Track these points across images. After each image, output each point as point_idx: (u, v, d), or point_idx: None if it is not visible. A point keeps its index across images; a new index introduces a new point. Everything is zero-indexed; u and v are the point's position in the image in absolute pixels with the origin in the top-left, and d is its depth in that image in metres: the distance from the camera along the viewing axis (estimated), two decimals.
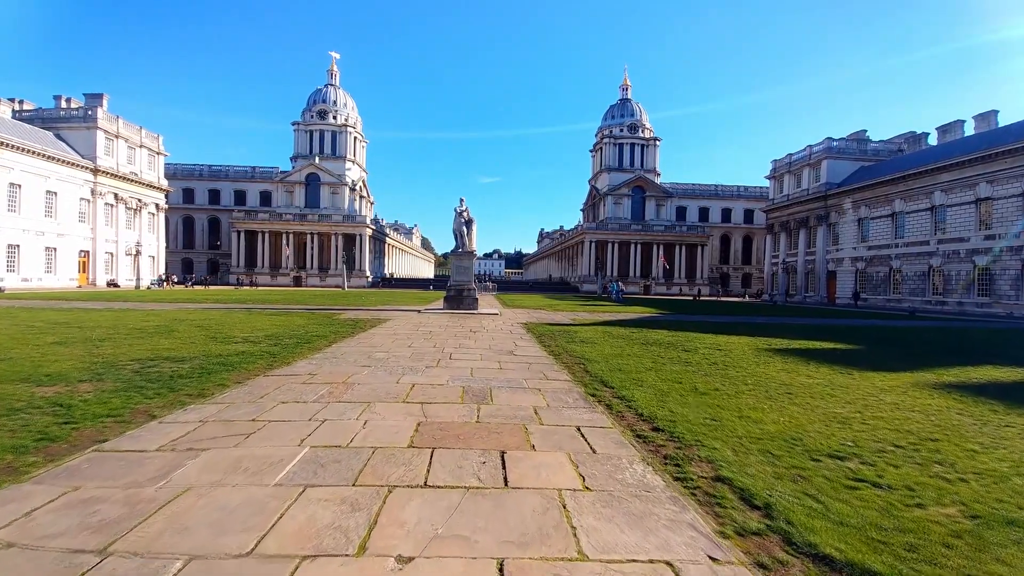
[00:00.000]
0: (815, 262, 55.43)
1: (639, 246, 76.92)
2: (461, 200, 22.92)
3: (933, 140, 49.93)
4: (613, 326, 17.39)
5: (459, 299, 22.48)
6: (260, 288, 60.51)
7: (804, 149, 57.29)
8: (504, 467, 3.84)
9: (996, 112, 41.91)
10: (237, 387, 6.43)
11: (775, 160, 62.88)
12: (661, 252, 75.72)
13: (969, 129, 44.43)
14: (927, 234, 41.50)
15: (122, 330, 12.08)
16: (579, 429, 4.93)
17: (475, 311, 21.77)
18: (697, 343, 12.51)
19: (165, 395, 5.95)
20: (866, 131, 57.82)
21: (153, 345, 9.69)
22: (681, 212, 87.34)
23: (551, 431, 4.84)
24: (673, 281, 76.08)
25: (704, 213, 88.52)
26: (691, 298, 62.66)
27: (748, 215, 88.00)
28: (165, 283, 59.63)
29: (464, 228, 22.55)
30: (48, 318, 15.31)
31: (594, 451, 4.30)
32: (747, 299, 66.16)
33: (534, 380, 7.35)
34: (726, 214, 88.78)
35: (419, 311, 21.83)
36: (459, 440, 4.44)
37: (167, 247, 69.21)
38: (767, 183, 68.93)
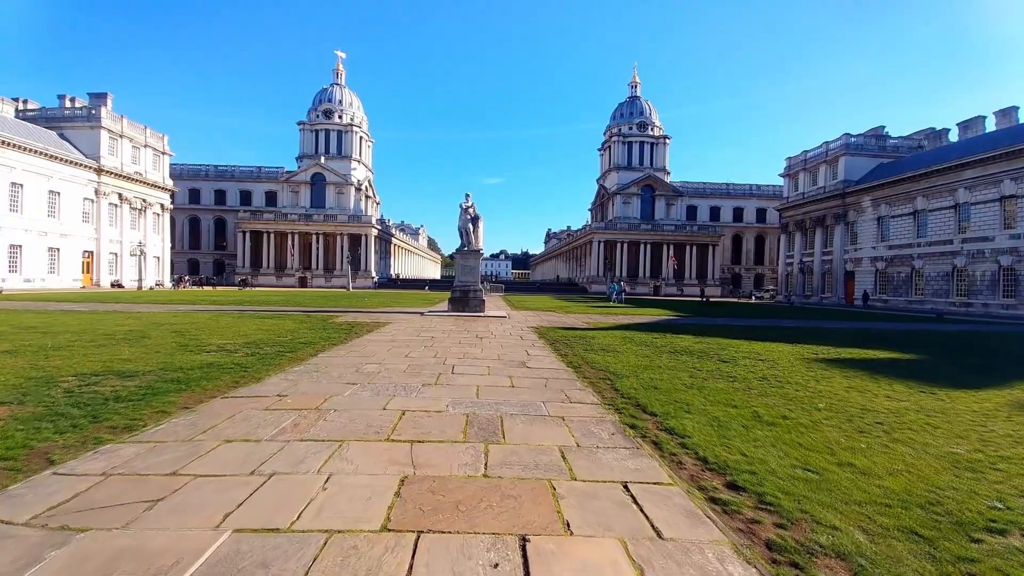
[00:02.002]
0: (832, 262, 53.53)
1: (649, 246, 75.25)
2: (467, 196, 21.55)
3: (954, 136, 48.21)
4: (632, 330, 15.93)
5: (465, 301, 21.11)
6: (263, 289, 59.56)
7: (820, 146, 55.41)
8: (528, 574, 2.44)
9: (1016, 108, 40.47)
10: (181, 415, 5.07)
11: (790, 157, 61.01)
12: (671, 252, 74.00)
13: (990, 125, 43.19)
14: (951, 233, 39.78)
15: (89, 336, 10.81)
16: (627, 488, 3.51)
17: (481, 314, 20.39)
18: (732, 352, 11.03)
19: (83, 428, 4.61)
20: (884, 127, 55.89)
21: (111, 355, 8.39)
22: (692, 211, 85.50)
23: (589, 493, 3.43)
24: (684, 282, 74.31)
25: (715, 212, 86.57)
26: (698, 299, 60.88)
27: (761, 214, 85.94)
28: (180, 284, 60.05)
29: (470, 225, 21.19)
30: (21, 322, 14.12)
31: (659, 534, 2.87)
32: (753, 300, 64.03)
33: (555, 403, 5.93)
34: (738, 213, 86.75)
35: (422, 313, 20.48)
36: (459, 514, 3.03)
37: (173, 248, 68.71)
38: (780, 181, 67.04)
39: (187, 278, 64.93)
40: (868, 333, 17.81)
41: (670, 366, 8.84)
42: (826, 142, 54.55)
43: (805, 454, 4.34)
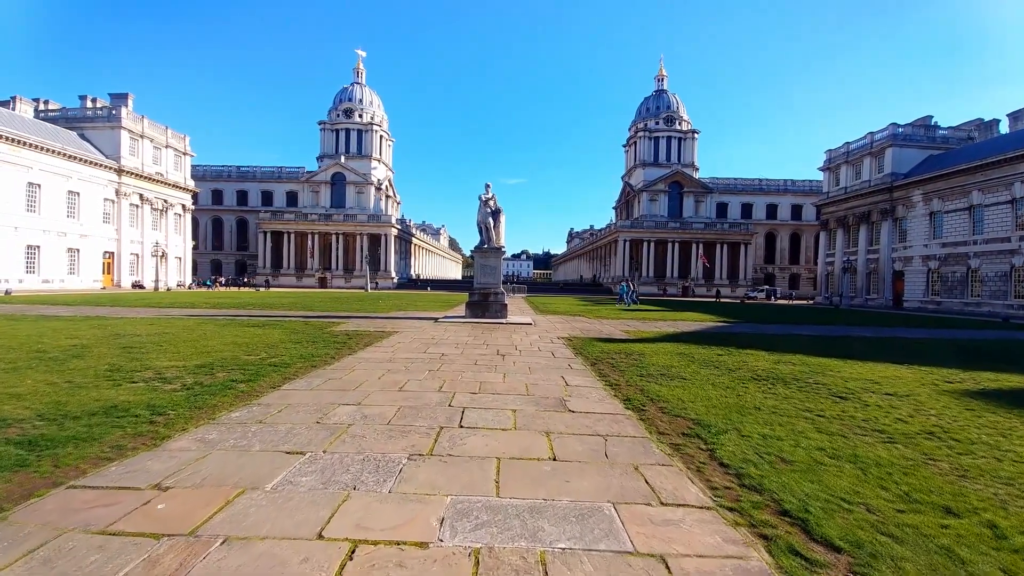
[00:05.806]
0: (879, 261, 49.42)
1: (677, 245, 71.71)
2: (487, 187, 19.13)
3: (1004, 128, 44.70)
4: (683, 342, 13.22)
5: (484, 305, 18.65)
6: (281, 289, 58.30)
7: (864, 137, 51.42)
8: None
9: None
10: None
11: (830, 150, 56.93)
12: (701, 251, 70.35)
13: None
14: (1008, 230, 35.98)
15: (15, 355, 8.67)
16: None
17: (503, 320, 17.92)
18: (838, 379, 8.26)
19: None
20: (932, 117, 51.63)
21: (4, 389, 6.20)
22: (722, 209, 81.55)
23: None
24: (714, 282, 70.59)
25: (747, 209, 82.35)
26: (712, 300, 57.41)
27: (796, 211, 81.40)
28: (215, 284, 62.11)
29: (490, 220, 18.75)
30: None
31: None
32: (774, 300, 60.05)
33: (635, 508, 3.35)
34: (771, 210, 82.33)
35: (435, 320, 18.13)
36: None
37: (196, 248, 68.69)
38: (817, 176, 63.02)
39: (219, 279, 66.47)
40: (963, 345, 14.71)
41: (773, 407, 6.19)
42: (871, 132, 50.55)
43: None
